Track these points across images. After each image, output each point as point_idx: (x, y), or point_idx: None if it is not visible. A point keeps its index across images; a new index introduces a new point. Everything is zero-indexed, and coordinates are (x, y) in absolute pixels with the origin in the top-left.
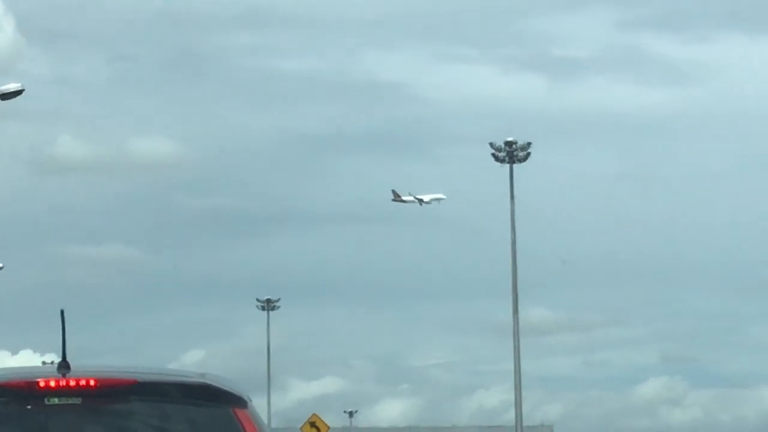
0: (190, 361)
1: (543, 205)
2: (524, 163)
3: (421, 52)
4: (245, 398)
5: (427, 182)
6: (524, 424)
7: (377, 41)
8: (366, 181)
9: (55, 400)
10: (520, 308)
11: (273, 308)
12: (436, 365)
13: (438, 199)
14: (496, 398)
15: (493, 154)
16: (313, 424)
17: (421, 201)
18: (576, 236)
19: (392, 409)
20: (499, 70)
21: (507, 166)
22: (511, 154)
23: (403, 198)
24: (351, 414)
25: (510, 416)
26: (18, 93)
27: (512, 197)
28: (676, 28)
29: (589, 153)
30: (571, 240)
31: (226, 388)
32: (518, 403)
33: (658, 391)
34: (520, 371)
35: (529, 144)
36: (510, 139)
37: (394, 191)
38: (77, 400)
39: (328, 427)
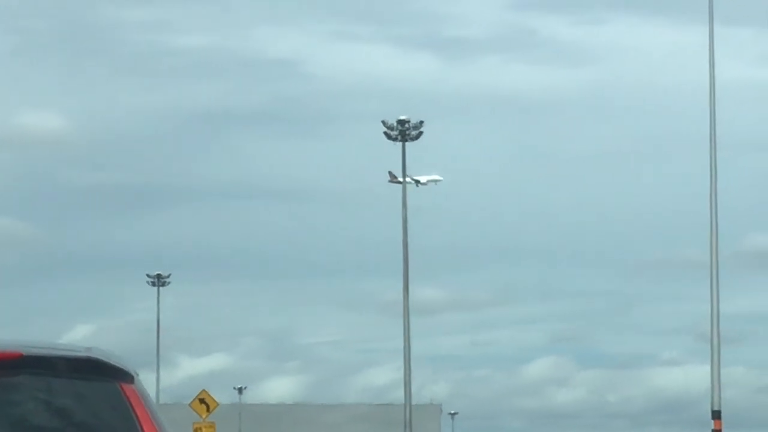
0: (79, 336)
1: (434, 183)
2: (417, 142)
3: (314, 30)
4: (132, 373)
5: (319, 160)
6: (413, 402)
7: (270, 18)
8: (258, 158)
9: None
10: (410, 287)
11: (163, 284)
12: (326, 343)
13: (435, 181)
14: (385, 376)
15: (385, 133)
16: (202, 401)
17: (417, 182)
18: (467, 216)
19: (281, 386)
20: (392, 48)
21: (399, 144)
22: (404, 132)
23: (399, 179)
24: (240, 390)
25: (399, 394)
26: None
27: (404, 175)
28: (567, 10)
29: (482, 132)
30: (462, 219)
31: (113, 363)
32: (407, 382)
33: (546, 371)
34: (410, 350)
35: (421, 123)
36: (403, 117)
37: (390, 172)
38: None
39: (217, 404)
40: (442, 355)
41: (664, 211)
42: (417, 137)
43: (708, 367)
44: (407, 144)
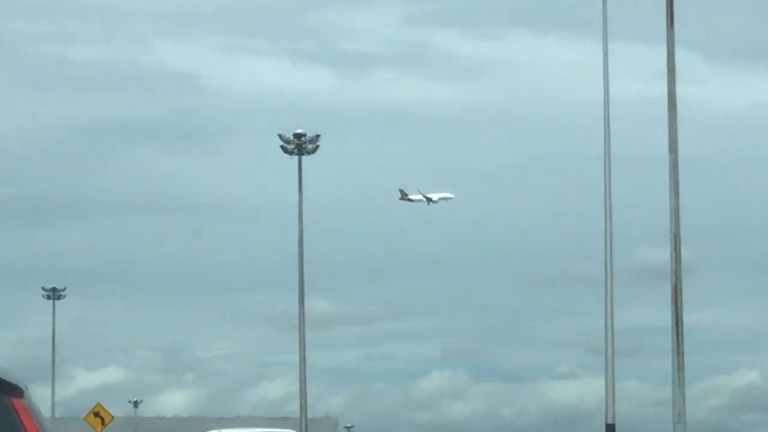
0: None
1: (331, 197)
2: (313, 156)
3: (210, 43)
4: (21, 387)
5: (215, 174)
6: (309, 415)
7: (167, 31)
8: (153, 172)
9: None
10: (305, 300)
11: (59, 297)
12: (221, 356)
13: (446, 198)
14: (280, 390)
15: (282, 146)
16: (96, 414)
17: (429, 200)
18: (363, 229)
19: (176, 399)
20: (288, 62)
21: (296, 158)
22: (300, 146)
23: (411, 197)
24: (136, 404)
25: (294, 407)
26: None
27: (300, 189)
28: (464, 25)
29: (378, 146)
30: (357, 233)
31: (1, 376)
32: (303, 395)
33: (441, 385)
34: (305, 363)
35: (318, 136)
36: (299, 131)
37: (401, 190)
38: None
39: (113, 417)
40: (337, 368)
41: (558, 226)
42: (314, 151)
43: (602, 381)
44: (304, 158)
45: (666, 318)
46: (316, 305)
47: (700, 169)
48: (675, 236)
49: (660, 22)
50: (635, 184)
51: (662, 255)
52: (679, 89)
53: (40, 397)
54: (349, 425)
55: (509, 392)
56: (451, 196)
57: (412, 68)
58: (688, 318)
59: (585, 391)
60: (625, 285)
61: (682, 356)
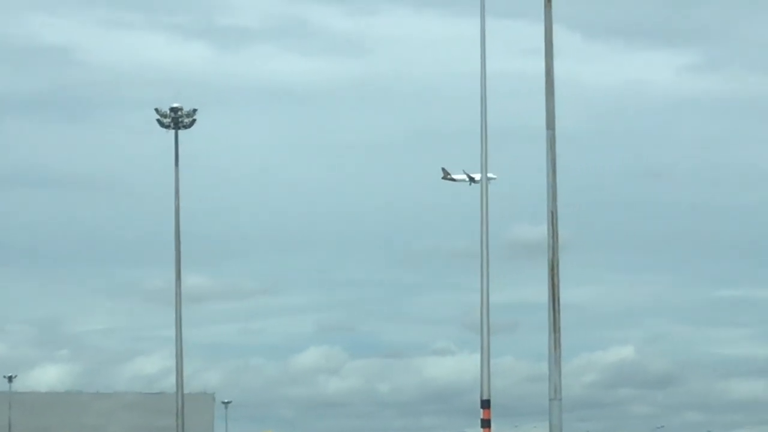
0: None
1: (208, 171)
2: (190, 130)
3: (87, 17)
4: None
5: (91, 147)
6: (186, 391)
7: (41, 4)
8: (29, 145)
9: None
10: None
11: None
12: (96, 331)
13: (489, 179)
14: (156, 365)
15: (158, 120)
16: None
17: (472, 180)
18: (239, 203)
19: (52, 374)
20: (166, 36)
21: (172, 132)
22: (177, 120)
23: (454, 176)
24: (10, 379)
25: (170, 383)
26: None
27: (177, 163)
28: (341, 1)
29: (256, 120)
30: (234, 207)
31: None
32: (180, 370)
33: (317, 360)
34: (181, 338)
35: (194, 110)
36: (175, 105)
37: (443, 169)
38: None
39: None
40: (213, 343)
41: (434, 201)
42: (190, 125)
43: (478, 357)
44: (180, 132)
45: (542, 294)
46: (192, 280)
47: (577, 146)
48: (552, 213)
49: (538, 0)
50: (512, 161)
51: (539, 231)
52: (556, 66)
53: None
54: (226, 400)
55: (385, 368)
56: (495, 176)
57: (290, 43)
58: (565, 294)
59: (461, 366)
60: (502, 261)
61: (559, 332)
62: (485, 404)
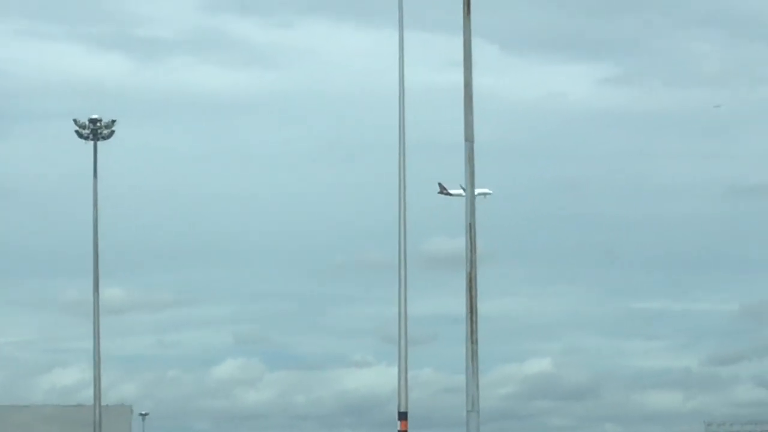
0: None
1: (127, 183)
2: (109, 141)
3: (4, 28)
4: None
5: (8, 158)
6: (103, 403)
7: None
8: None
9: None
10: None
11: None
12: (11, 343)
13: (484, 194)
14: (73, 377)
15: (77, 131)
16: None
17: None
18: (157, 215)
19: None
20: (84, 47)
21: (91, 143)
22: (95, 131)
23: (450, 191)
24: None
25: (87, 395)
26: None
27: (95, 175)
28: (258, 13)
29: (174, 132)
30: (152, 218)
31: None
32: (97, 382)
33: (234, 372)
34: (99, 350)
35: (113, 122)
36: (94, 116)
37: (440, 184)
38: None
39: None
40: (130, 355)
41: (352, 213)
42: (109, 136)
43: (395, 369)
44: (99, 143)
45: (460, 306)
46: (109, 292)
47: (496, 158)
48: (470, 225)
49: (456, 12)
50: (430, 173)
51: (457, 244)
52: (475, 79)
53: None
54: (143, 412)
55: (303, 380)
56: (490, 192)
57: (208, 55)
58: (482, 307)
59: (379, 379)
60: (420, 273)
61: (476, 344)
62: (402, 416)
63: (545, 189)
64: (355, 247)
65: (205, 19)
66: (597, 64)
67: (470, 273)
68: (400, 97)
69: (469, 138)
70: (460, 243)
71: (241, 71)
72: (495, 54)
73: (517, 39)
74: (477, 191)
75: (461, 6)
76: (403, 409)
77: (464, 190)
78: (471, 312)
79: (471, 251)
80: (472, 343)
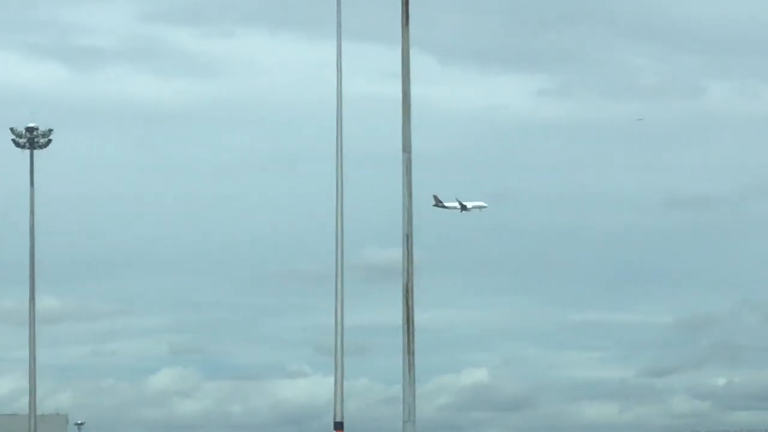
0: None
1: (63, 192)
2: (46, 150)
3: None
4: None
5: None
6: (38, 412)
7: None
8: None
9: None
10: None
11: None
12: None
13: (480, 207)
14: (8, 386)
15: (13, 140)
16: None
17: (464, 207)
18: (94, 224)
19: None
20: (20, 55)
21: (28, 152)
22: (32, 140)
23: (446, 204)
24: None
25: (21, 404)
26: None
27: (32, 184)
28: (196, 22)
29: (111, 141)
30: (89, 228)
31: None
32: (33, 391)
33: (170, 382)
34: (35, 359)
35: (50, 131)
36: (31, 125)
37: (435, 196)
38: None
39: None
40: (66, 365)
41: (288, 223)
42: (46, 145)
43: (332, 379)
44: (36, 152)
45: (397, 317)
46: (44, 301)
47: (433, 170)
48: (407, 235)
49: (395, 24)
50: (367, 184)
51: (393, 254)
52: (413, 89)
53: None
54: (79, 422)
55: (239, 390)
56: (485, 205)
57: (146, 65)
58: (419, 317)
59: (315, 389)
60: (356, 284)
61: (413, 355)
62: (338, 426)
63: (483, 200)
64: (292, 257)
65: (144, 28)
66: (535, 76)
67: (407, 284)
68: (338, 107)
69: (406, 149)
70: (397, 253)
71: (180, 80)
72: (434, 65)
73: (456, 50)
74: (472, 204)
75: (400, 17)
76: (339, 419)
77: (459, 202)
78: (408, 322)
79: (408, 262)
80: (408, 353)
